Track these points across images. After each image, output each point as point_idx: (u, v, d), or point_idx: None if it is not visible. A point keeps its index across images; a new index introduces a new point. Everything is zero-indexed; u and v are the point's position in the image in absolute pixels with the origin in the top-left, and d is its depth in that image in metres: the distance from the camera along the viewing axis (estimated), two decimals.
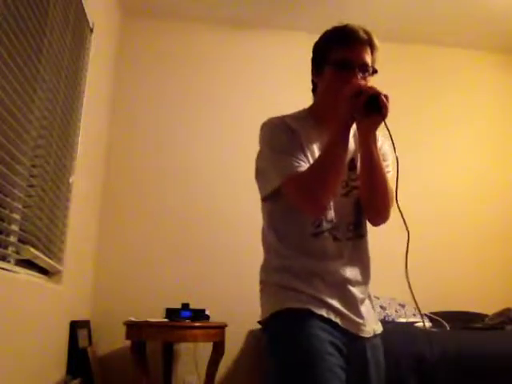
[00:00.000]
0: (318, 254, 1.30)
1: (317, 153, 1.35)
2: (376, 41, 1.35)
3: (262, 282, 1.41)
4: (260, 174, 1.41)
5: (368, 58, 1.34)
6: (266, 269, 1.40)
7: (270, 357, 1.28)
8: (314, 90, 1.45)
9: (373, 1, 3.48)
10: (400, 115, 3.90)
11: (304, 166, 1.28)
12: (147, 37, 3.69)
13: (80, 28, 2.52)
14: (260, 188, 1.43)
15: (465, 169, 3.85)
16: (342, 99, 1.25)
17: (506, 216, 3.77)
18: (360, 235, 1.39)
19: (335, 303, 1.28)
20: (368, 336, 1.32)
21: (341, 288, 1.30)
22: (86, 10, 2.53)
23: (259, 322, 3.00)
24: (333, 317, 1.26)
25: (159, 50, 3.68)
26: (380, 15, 3.60)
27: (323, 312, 1.25)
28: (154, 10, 3.65)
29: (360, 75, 1.32)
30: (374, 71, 1.36)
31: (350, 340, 1.28)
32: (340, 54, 1.33)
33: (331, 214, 1.33)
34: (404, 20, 3.71)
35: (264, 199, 1.39)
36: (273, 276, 1.34)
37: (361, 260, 1.38)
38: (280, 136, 1.34)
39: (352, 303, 1.31)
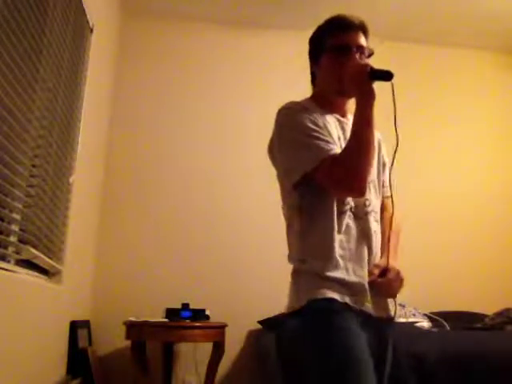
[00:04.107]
0: (350, 233, 1.31)
1: (335, 131, 1.37)
2: (367, 27, 1.42)
3: (296, 271, 1.35)
4: (284, 162, 1.36)
5: (363, 41, 1.40)
6: (299, 258, 1.34)
7: (308, 346, 1.24)
8: (313, 82, 1.51)
9: (373, 0, 3.48)
10: (399, 115, 3.90)
11: (334, 147, 1.28)
12: (147, 37, 3.69)
13: (80, 28, 2.52)
14: (285, 176, 1.37)
15: (465, 169, 3.85)
16: (355, 81, 1.29)
17: (507, 216, 3.77)
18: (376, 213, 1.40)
19: (370, 290, 1.29)
20: (391, 318, 1.36)
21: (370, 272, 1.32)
22: (86, 10, 2.53)
23: (259, 322, 3.01)
24: (371, 311, 1.28)
25: (159, 49, 3.68)
26: (380, 14, 3.60)
27: (360, 305, 1.26)
28: (153, 9, 3.65)
29: (358, 56, 1.38)
30: (370, 54, 1.42)
31: (378, 328, 1.30)
32: (336, 40, 1.40)
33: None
34: (404, 19, 3.71)
35: (294, 186, 1.32)
36: (309, 263, 1.31)
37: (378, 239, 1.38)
38: (303, 119, 1.33)
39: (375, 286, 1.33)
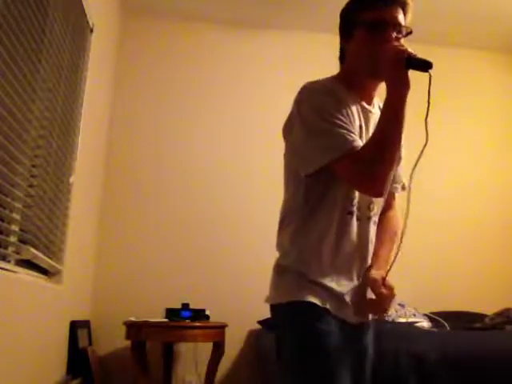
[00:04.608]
0: (348, 236, 1.26)
1: (357, 120, 1.28)
2: (408, 2, 1.29)
3: (280, 266, 1.30)
4: (301, 147, 1.25)
5: (401, 19, 1.28)
6: (287, 251, 1.29)
7: (289, 347, 1.24)
8: (341, 58, 1.37)
9: None
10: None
11: (357, 138, 1.20)
12: (147, 37, 3.69)
13: (80, 28, 2.52)
14: (299, 163, 1.27)
15: (465, 168, 3.85)
16: (391, 66, 1.20)
17: (507, 217, 3.77)
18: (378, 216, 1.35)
19: (350, 297, 1.27)
20: (369, 323, 1.34)
21: (359, 278, 1.30)
22: (86, 10, 2.53)
23: (259, 322, 3.00)
24: (352, 319, 1.26)
25: (159, 50, 3.68)
26: None
27: (340, 314, 1.24)
28: (154, 9, 3.65)
29: (394, 35, 1.27)
30: (408, 32, 1.31)
31: (358, 332, 1.29)
32: (372, 15, 1.26)
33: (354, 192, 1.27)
34: None
35: (306, 176, 1.24)
36: (295, 261, 1.26)
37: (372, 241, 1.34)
38: (327, 103, 1.23)
39: (363, 293, 1.30)
